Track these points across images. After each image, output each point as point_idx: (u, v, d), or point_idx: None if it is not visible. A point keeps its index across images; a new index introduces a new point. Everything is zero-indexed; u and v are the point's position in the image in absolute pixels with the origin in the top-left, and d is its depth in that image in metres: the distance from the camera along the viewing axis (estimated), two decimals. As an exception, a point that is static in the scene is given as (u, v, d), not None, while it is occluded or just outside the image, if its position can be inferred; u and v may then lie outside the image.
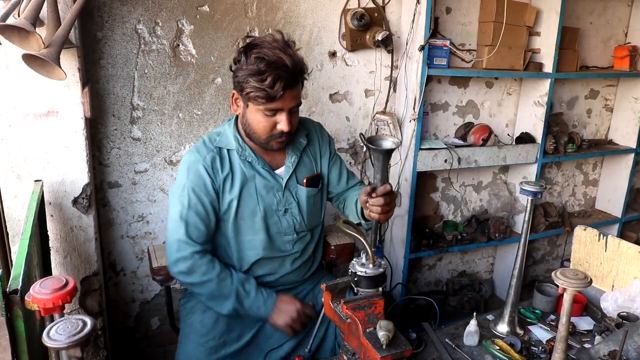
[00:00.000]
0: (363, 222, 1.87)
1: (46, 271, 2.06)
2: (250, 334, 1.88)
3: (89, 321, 0.93)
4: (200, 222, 1.78)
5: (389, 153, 1.56)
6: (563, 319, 1.47)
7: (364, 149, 2.90)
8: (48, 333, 0.91)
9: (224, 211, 1.82)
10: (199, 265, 1.75)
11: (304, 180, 1.92)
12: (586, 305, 2.01)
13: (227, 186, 1.81)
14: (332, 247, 2.20)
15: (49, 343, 0.89)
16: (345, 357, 1.51)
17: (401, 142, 2.85)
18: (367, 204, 1.63)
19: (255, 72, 1.62)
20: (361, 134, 1.66)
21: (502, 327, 1.85)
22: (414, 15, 2.64)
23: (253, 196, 1.84)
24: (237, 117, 1.86)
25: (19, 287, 1.24)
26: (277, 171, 1.89)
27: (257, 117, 1.71)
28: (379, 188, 1.60)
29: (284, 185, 1.88)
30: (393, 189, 1.68)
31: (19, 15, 1.63)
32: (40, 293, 1.10)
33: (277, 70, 1.60)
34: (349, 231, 1.59)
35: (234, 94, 1.77)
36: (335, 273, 2.38)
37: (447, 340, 1.79)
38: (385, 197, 1.59)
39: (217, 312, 1.84)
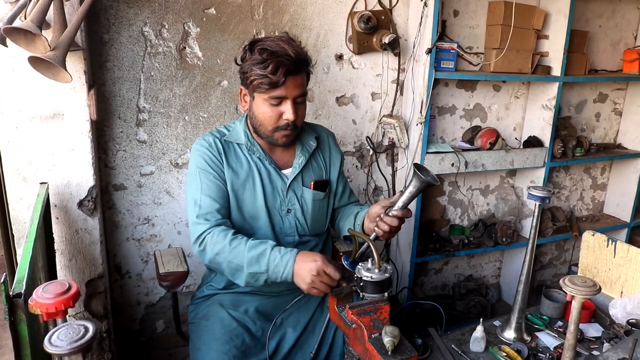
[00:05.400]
0: None
1: (51, 274, 2.06)
2: (274, 343, 1.86)
3: (90, 327, 0.93)
4: (212, 201, 1.76)
5: (427, 186, 1.62)
6: (571, 327, 1.45)
7: (371, 152, 2.89)
8: (50, 339, 0.90)
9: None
10: (208, 240, 1.71)
11: (312, 183, 1.92)
12: (594, 311, 1.99)
13: (230, 170, 1.81)
14: (341, 254, 2.19)
15: (50, 349, 0.88)
16: (350, 363, 1.50)
17: (408, 146, 2.84)
18: (379, 218, 1.68)
19: (259, 61, 1.66)
20: (415, 163, 1.68)
21: (509, 333, 1.83)
22: (421, 18, 2.62)
23: (258, 190, 1.83)
24: (247, 115, 1.88)
25: (22, 291, 1.23)
26: (284, 171, 1.89)
27: (262, 108, 1.74)
28: (401, 209, 1.66)
29: (287, 185, 1.88)
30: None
31: (25, 18, 1.64)
32: (43, 297, 1.09)
33: (279, 58, 1.65)
34: (357, 235, 1.64)
35: (241, 89, 1.81)
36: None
37: (453, 346, 1.77)
38: (401, 220, 1.67)
39: (241, 288, 1.82)
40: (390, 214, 1.67)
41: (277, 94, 1.69)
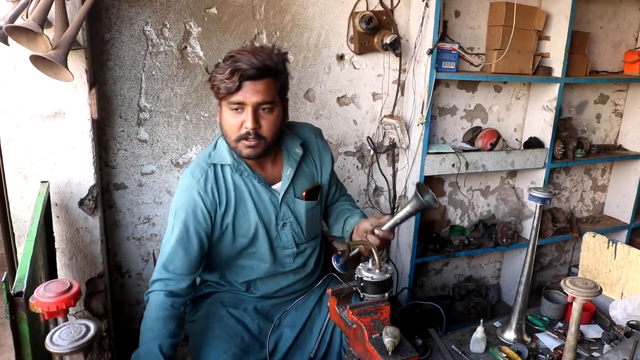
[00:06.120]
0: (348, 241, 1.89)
1: (52, 272, 2.06)
2: (272, 343, 1.85)
3: (92, 326, 0.93)
4: (183, 253, 1.74)
5: (422, 208, 1.63)
6: (572, 328, 1.45)
7: (371, 152, 2.89)
8: (51, 338, 0.90)
9: (223, 230, 1.79)
10: (151, 297, 1.76)
11: (303, 194, 1.88)
12: (595, 313, 1.99)
13: (222, 206, 1.77)
14: (339, 252, 2.19)
15: (52, 348, 0.88)
16: (350, 364, 1.50)
17: (408, 146, 2.84)
18: (370, 232, 1.72)
19: (220, 68, 1.64)
20: (418, 183, 1.68)
21: (509, 334, 1.84)
22: (423, 18, 2.62)
23: (251, 212, 1.80)
24: None
25: (23, 290, 1.23)
26: (274, 186, 1.84)
27: (225, 116, 1.68)
28: (387, 230, 1.69)
29: (280, 200, 1.83)
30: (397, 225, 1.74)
31: (27, 17, 1.64)
32: (44, 296, 1.09)
33: (236, 63, 1.60)
34: (356, 243, 1.71)
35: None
36: (342, 277, 2.37)
37: (453, 347, 1.78)
38: (383, 240, 1.71)
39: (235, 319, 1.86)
40: (375, 232, 1.70)
41: (235, 100, 1.63)
